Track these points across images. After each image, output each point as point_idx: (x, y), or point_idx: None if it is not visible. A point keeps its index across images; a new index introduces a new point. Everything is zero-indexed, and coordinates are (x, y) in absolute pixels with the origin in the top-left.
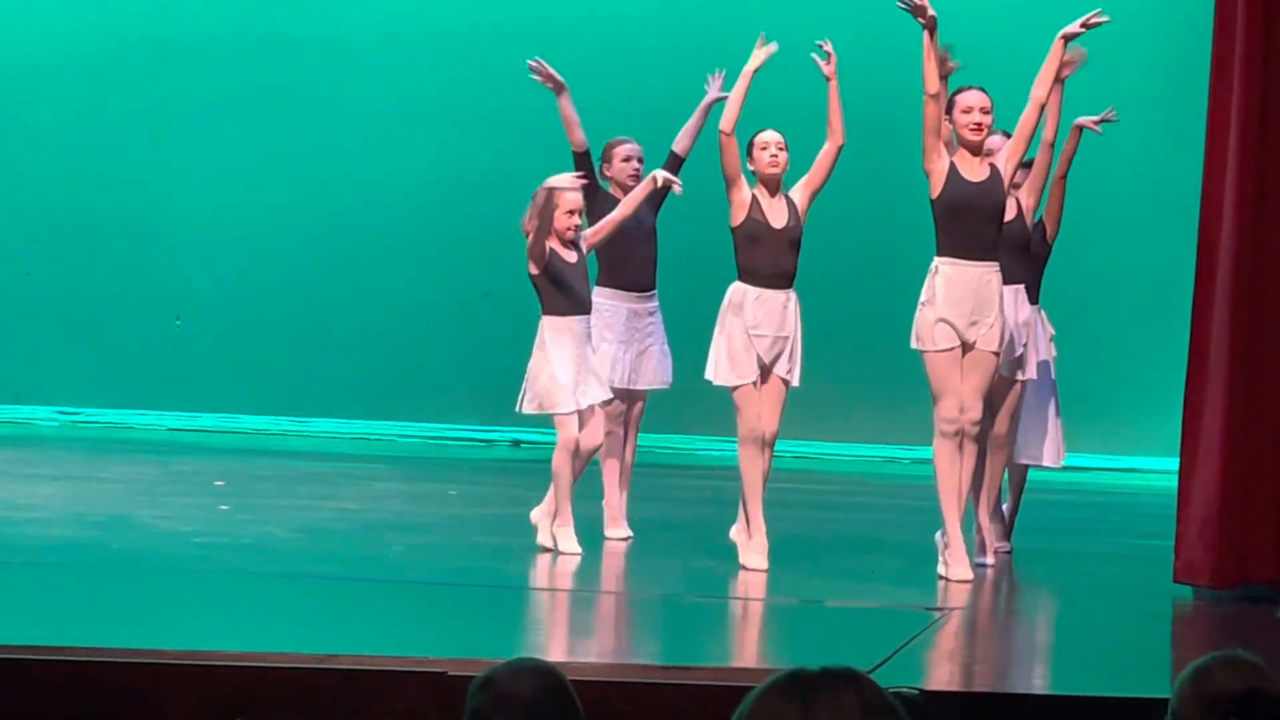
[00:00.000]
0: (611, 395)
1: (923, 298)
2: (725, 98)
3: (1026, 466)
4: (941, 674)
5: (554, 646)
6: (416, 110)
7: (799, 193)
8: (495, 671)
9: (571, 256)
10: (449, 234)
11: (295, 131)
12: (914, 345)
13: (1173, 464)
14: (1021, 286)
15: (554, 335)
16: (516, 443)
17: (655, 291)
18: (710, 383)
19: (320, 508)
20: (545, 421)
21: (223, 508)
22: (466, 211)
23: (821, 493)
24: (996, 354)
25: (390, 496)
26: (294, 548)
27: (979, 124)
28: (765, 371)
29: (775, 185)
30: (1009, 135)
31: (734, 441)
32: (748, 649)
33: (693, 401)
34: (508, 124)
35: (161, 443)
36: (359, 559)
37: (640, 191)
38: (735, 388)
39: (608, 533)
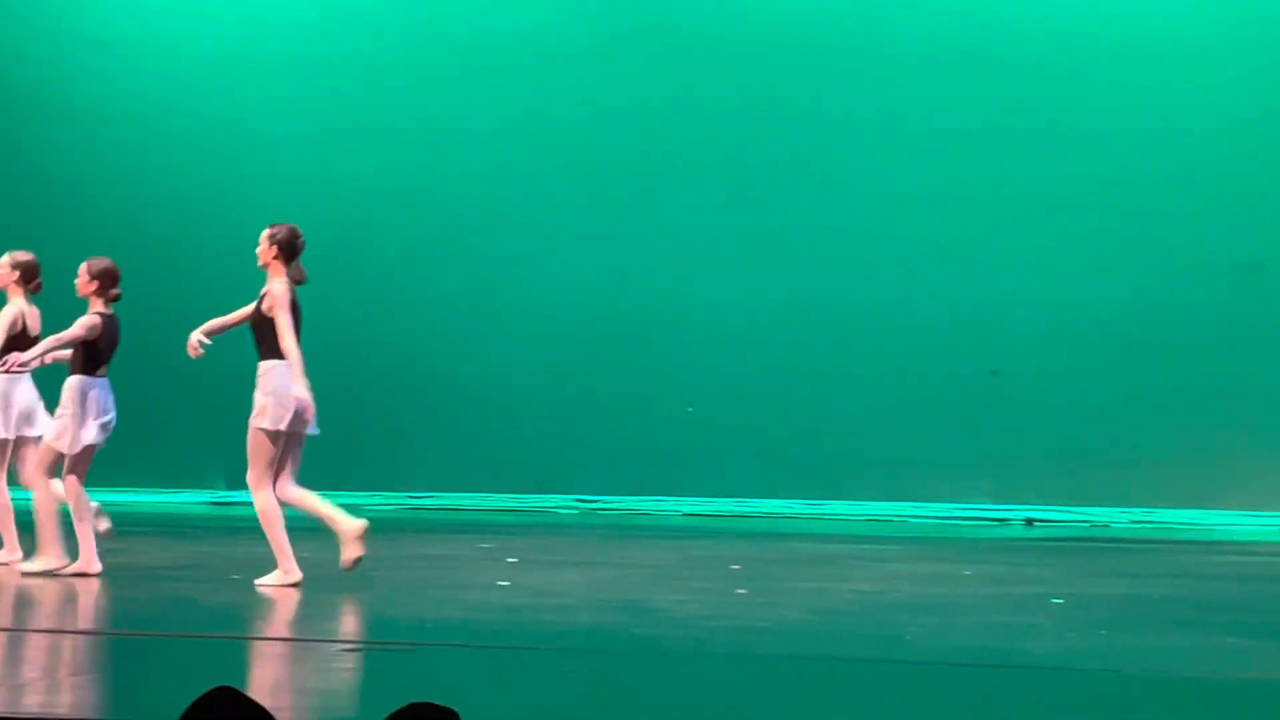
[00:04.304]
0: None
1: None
2: None
3: None
4: None
5: None
6: (913, 190)
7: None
8: None
9: None
10: (954, 312)
11: (796, 216)
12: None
13: None
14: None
15: None
16: (1030, 521)
17: None
18: None
19: (834, 590)
20: (1060, 498)
21: (739, 592)
22: (972, 288)
23: (1227, 563)
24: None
25: (903, 577)
26: (809, 630)
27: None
28: None
29: None
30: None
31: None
32: None
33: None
34: (1025, 207)
35: (677, 528)
36: (874, 640)
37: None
38: None
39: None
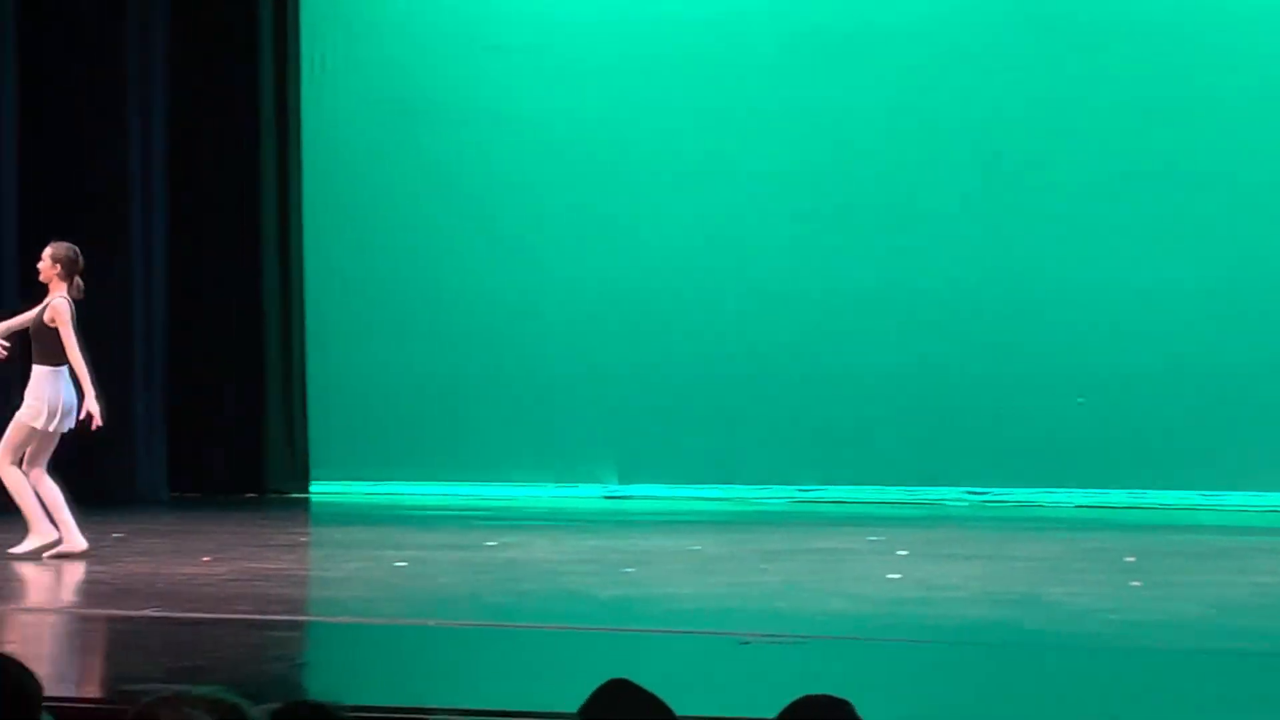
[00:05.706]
0: None
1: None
2: None
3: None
4: None
5: None
6: None
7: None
8: None
9: None
10: None
11: (1186, 204)
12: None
13: None
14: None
15: None
16: None
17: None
18: None
19: (1233, 583)
20: None
21: (1134, 584)
22: None
23: None
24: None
25: None
26: (1207, 625)
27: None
28: None
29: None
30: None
31: None
32: None
33: None
34: None
35: (1069, 520)
36: (1276, 635)
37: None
38: None
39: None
